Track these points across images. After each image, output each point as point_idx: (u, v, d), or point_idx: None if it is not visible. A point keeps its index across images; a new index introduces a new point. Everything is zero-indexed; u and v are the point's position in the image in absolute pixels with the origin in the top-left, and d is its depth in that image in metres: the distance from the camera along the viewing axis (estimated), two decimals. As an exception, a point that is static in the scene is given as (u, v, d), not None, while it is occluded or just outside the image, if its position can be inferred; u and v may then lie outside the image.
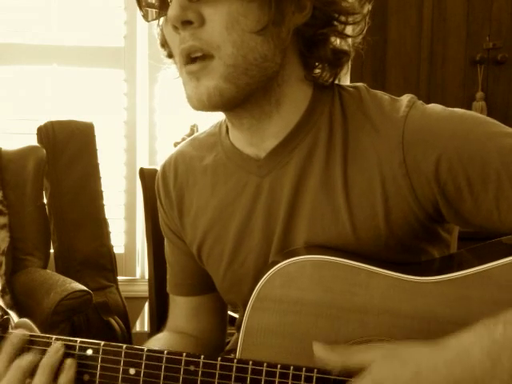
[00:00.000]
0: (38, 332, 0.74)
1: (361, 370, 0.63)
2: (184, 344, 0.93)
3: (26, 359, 0.69)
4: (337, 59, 0.80)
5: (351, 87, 0.82)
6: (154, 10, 0.75)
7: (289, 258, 0.72)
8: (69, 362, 0.70)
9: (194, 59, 0.71)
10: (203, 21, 0.69)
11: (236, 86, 0.71)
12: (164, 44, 0.80)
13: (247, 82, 0.72)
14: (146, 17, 0.77)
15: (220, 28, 0.69)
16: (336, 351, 0.66)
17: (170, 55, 0.80)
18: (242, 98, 0.73)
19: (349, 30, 0.80)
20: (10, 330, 0.71)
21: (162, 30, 0.79)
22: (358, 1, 0.78)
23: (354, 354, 0.65)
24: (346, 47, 0.81)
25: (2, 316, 0.71)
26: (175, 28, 0.71)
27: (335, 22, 0.78)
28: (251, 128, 0.80)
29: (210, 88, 0.70)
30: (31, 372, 0.69)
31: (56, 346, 0.70)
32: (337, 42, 0.80)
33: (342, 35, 0.80)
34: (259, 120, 0.78)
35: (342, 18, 0.78)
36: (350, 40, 0.81)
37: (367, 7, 0.79)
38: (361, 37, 0.81)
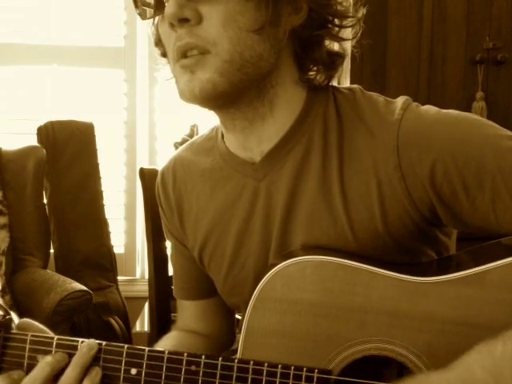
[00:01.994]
0: (44, 329, 0.74)
1: None
2: (194, 342, 0.94)
3: (58, 357, 0.69)
4: (331, 61, 0.80)
5: (346, 89, 0.82)
6: (149, 9, 0.75)
7: (288, 259, 0.72)
8: (96, 369, 0.70)
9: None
10: (200, 18, 0.69)
11: (229, 82, 0.71)
12: (158, 43, 0.80)
13: (241, 78, 0.71)
14: (142, 15, 0.77)
15: (217, 25, 0.69)
16: None
17: (164, 54, 0.80)
18: (234, 95, 0.73)
19: (344, 33, 0.80)
20: (14, 331, 0.71)
21: (156, 28, 0.79)
22: (352, 5, 0.78)
23: None
24: (340, 50, 0.81)
25: (5, 316, 0.71)
26: (172, 26, 0.70)
27: (330, 25, 0.78)
28: (244, 131, 0.79)
29: (203, 80, 0.70)
30: (58, 371, 0.69)
31: (90, 343, 0.70)
32: (332, 44, 0.80)
33: (337, 38, 0.80)
34: (252, 122, 0.78)
35: (337, 21, 0.78)
36: (345, 43, 0.81)
37: (362, 11, 0.80)
38: (355, 40, 0.81)
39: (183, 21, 0.69)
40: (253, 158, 0.81)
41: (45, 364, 0.68)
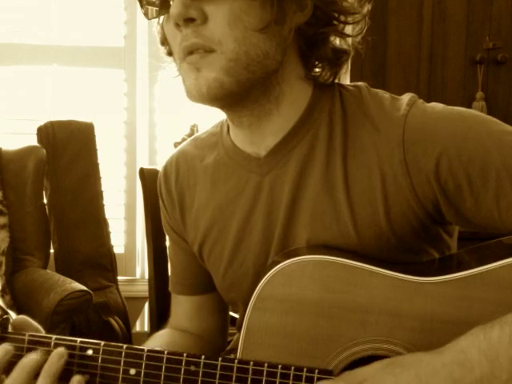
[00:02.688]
0: (39, 327, 0.73)
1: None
2: (186, 342, 0.93)
3: (32, 358, 0.67)
4: (337, 58, 0.81)
5: (352, 86, 0.82)
6: (154, 8, 0.75)
7: (290, 257, 0.72)
8: (77, 378, 0.69)
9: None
10: (206, 18, 0.69)
11: (236, 81, 0.71)
12: (164, 42, 0.80)
13: (248, 77, 0.72)
14: (146, 15, 0.77)
15: (222, 25, 0.69)
16: (340, 377, 0.66)
17: (170, 53, 0.80)
18: (241, 93, 0.73)
19: (349, 29, 0.80)
20: (10, 330, 0.71)
21: (162, 27, 0.78)
22: (357, 1, 0.78)
23: (357, 372, 0.65)
24: (345, 46, 0.81)
25: (2, 316, 0.71)
26: (177, 26, 0.70)
27: (335, 22, 0.78)
28: (251, 126, 0.80)
29: (209, 79, 0.70)
30: (36, 372, 0.67)
31: (59, 351, 0.69)
32: (336, 41, 0.81)
33: (342, 35, 0.80)
34: (259, 118, 0.78)
35: (342, 18, 0.78)
36: (349, 39, 0.81)
37: (367, 7, 0.80)
38: (360, 36, 0.81)
39: (188, 20, 0.69)
40: (258, 152, 0.82)
41: (22, 367, 0.67)
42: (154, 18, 0.77)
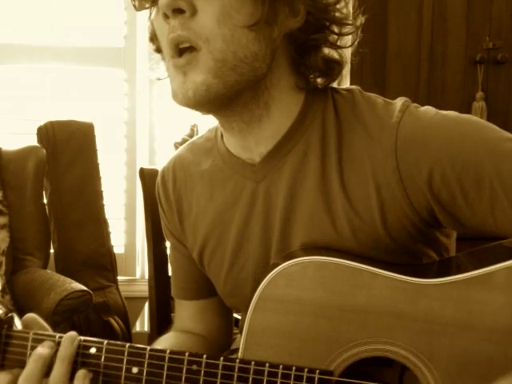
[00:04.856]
0: (47, 327, 0.74)
1: None
2: (191, 342, 0.93)
3: (44, 348, 0.69)
4: (328, 69, 0.79)
5: (345, 90, 0.81)
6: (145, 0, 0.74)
7: (290, 259, 0.72)
8: (82, 372, 0.69)
9: (181, 52, 0.70)
10: (195, 11, 0.68)
11: (224, 82, 0.70)
12: (153, 38, 0.79)
13: (236, 79, 0.71)
14: (137, 6, 0.76)
15: (211, 20, 0.68)
16: None
17: (159, 50, 0.79)
18: (229, 96, 0.72)
19: (342, 41, 0.79)
20: (15, 328, 0.71)
21: (152, 23, 0.77)
22: (352, 13, 0.78)
23: None
24: (338, 57, 0.80)
25: (7, 313, 0.71)
26: (166, 17, 0.69)
27: (327, 31, 0.77)
28: (242, 132, 0.79)
29: (197, 83, 0.69)
30: (49, 363, 0.68)
31: (70, 335, 0.70)
32: (331, 53, 0.80)
33: (334, 45, 0.79)
34: (249, 124, 0.78)
35: (335, 29, 0.78)
36: (344, 51, 0.80)
37: (360, 20, 0.79)
38: (353, 48, 0.81)
39: (177, 12, 0.68)
40: (252, 158, 0.81)
41: (37, 357, 0.68)
42: (143, 9, 0.75)
